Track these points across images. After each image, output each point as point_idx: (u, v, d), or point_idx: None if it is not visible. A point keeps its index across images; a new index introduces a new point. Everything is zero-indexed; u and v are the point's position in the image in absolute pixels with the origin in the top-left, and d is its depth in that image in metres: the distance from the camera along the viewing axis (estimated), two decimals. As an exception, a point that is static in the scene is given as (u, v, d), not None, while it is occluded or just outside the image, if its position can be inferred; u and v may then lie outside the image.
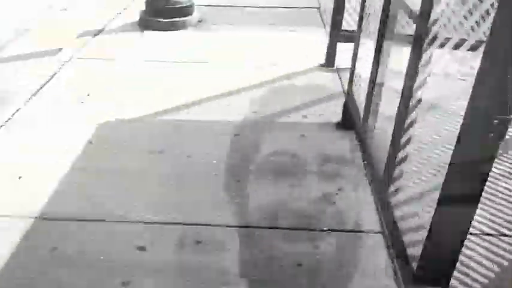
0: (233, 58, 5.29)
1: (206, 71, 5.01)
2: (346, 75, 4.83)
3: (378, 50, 3.10)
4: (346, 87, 4.62)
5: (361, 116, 3.48)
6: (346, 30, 5.00)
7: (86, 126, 3.92)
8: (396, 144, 2.56)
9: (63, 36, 5.94)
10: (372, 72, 3.23)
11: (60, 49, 5.63)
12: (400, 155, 2.53)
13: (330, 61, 5.15)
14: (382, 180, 2.77)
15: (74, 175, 3.35)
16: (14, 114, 4.12)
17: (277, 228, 2.94)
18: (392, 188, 2.63)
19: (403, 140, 2.51)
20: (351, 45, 5.12)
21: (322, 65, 5.18)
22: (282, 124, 4.05)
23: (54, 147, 3.65)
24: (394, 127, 2.61)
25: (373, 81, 3.21)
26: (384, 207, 2.76)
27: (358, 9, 5.01)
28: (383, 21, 3.02)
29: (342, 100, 4.42)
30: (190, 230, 2.90)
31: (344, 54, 5.11)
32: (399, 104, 2.58)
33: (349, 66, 5.03)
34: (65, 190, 3.20)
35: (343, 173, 3.47)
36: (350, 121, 3.91)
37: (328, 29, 6.12)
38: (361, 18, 3.70)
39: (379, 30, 3.09)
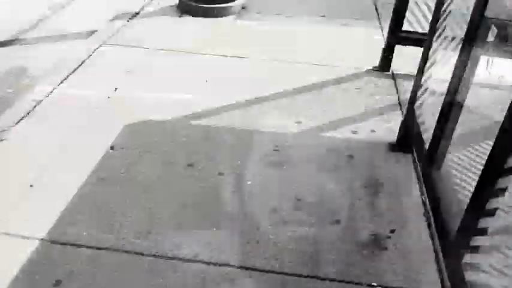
0: (276, 55, 4.77)
1: (243, 68, 4.53)
2: (404, 84, 4.32)
3: (463, 60, 2.50)
4: (403, 98, 4.08)
5: (427, 140, 2.91)
6: (407, 31, 4.40)
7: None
8: (484, 191, 1.96)
9: (97, 17, 5.58)
10: (449, 87, 2.63)
11: (92, 32, 5.26)
12: (490, 206, 1.94)
13: (385, 65, 4.57)
14: (452, 235, 2.24)
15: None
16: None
17: (317, 278, 2.48)
18: (466, 250, 2.08)
19: (497, 185, 1.87)
20: (411, 50, 4.66)
21: (376, 69, 4.61)
22: (327, 140, 3.55)
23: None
24: (485, 166, 1.95)
25: (450, 99, 2.61)
26: (452, 268, 2.24)
27: (424, 8, 4.47)
28: (474, 25, 2.41)
29: (399, 114, 3.89)
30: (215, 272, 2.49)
31: (400, 59, 4.56)
32: (497, 137, 1.89)
33: (408, 73, 4.51)
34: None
35: (397, 209, 2.96)
36: (409, 143, 3.38)
37: (384, 24, 5.57)
38: (435, 20, 3.09)
39: (467, 35, 2.48)
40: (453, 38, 2.88)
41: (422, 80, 3.22)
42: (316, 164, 3.29)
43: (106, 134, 3.45)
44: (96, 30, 5.29)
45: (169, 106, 3.82)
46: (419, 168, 3.19)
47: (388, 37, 4.47)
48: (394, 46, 4.46)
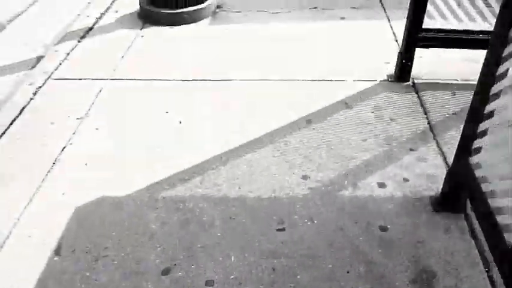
0: (263, 72, 3.81)
1: (223, 93, 3.56)
2: (431, 98, 3.38)
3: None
4: (434, 120, 3.16)
5: (497, 209, 2.02)
6: (431, 30, 3.43)
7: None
8: None
9: (39, 38, 4.56)
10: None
11: (33, 61, 4.26)
12: None
13: (403, 73, 3.61)
14: None
15: None
16: None
17: None
18: None
19: None
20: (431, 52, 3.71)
21: (392, 79, 3.66)
22: (346, 201, 2.63)
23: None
24: None
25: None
26: None
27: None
28: None
29: (434, 149, 2.97)
30: None
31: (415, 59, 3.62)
32: None
33: (433, 79, 3.56)
34: None
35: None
36: (461, 199, 2.49)
37: (390, 13, 4.60)
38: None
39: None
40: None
41: (485, 113, 2.26)
42: (336, 253, 2.38)
43: (48, 229, 2.53)
44: (41, 57, 4.29)
45: (131, 170, 2.89)
46: (483, 244, 2.30)
47: (405, 38, 3.49)
48: (414, 49, 3.49)
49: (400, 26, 3.81)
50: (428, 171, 2.80)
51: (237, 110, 3.38)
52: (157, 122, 3.29)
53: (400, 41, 4.07)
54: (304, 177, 2.80)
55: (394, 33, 4.29)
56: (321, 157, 2.94)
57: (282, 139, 3.10)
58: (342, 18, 4.60)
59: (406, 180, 2.76)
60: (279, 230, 2.49)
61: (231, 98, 3.51)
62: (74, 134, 3.24)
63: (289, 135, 3.13)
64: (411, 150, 2.97)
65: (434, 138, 3.05)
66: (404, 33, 3.50)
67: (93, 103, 3.54)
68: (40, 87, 3.78)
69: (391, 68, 3.74)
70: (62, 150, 3.08)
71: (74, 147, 3.10)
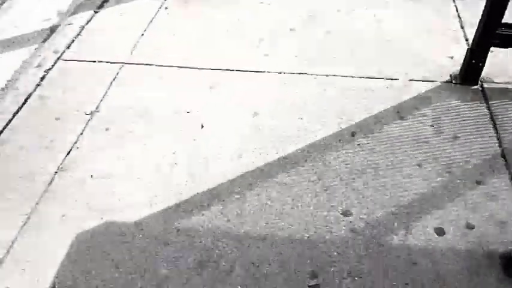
0: (299, 55, 3.26)
1: (252, 84, 3.06)
2: (503, 111, 2.80)
3: None
4: (509, 142, 2.60)
5: None
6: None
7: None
8: None
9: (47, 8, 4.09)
10: None
11: (44, 34, 3.82)
12: None
13: (471, 74, 3.00)
14: None
15: None
16: None
17: None
18: None
19: None
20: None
21: (456, 80, 3.06)
22: (395, 253, 2.16)
23: None
24: None
25: None
26: None
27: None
28: None
29: (506, 182, 2.44)
30: None
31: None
32: None
33: (506, 84, 2.95)
34: None
35: None
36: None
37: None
38: None
39: None
40: None
41: None
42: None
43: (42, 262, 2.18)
44: (55, 27, 3.85)
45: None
46: None
47: (479, 33, 2.85)
48: (488, 48, 2.87)
49: (467, 7, 3.17)
50: (499, 215, 2.29)
51: (267, 114, 2.89)
52: (176, 124, 2.84)
53: (468, 28, 3.46)
54: (345, 213, 2.33)
55: (459, 16, 3.62)
56: (366, 185, 2.45)
57: (320, 156, 2.61)
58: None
59: (470, 226, 2.25)
60: (310, 287, 2.07)
61: (262, 93, 3.00)
62: (81, 134, 2.83)
63: (329, 152, 2.63)
64: (478, 183, 2.44)
65: (506, 168, 2.50)
66: (478, 28, 2.86)
67: (105, 94, 3.10)
68: (49, 69, 3.36)
69: (455, 66, 3.13)
70: (67, 154, 2.69)
71: (79, 153, 2.70)
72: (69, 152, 2.71)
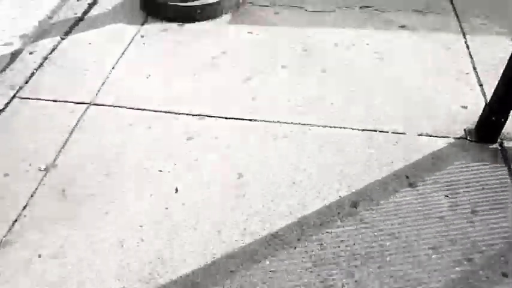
0: (294, 107, 2.85)
1: (244, 134, 2.63)
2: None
3: None
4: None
5: None
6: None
7: None
8: None
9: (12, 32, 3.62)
10: None
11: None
12: None
13: (489, 131, 2.60)
14: None
15: None
16: None
17: None
18: None
19: None
20: None
21: (469, 137, 2.65)
22: None
23: None
24: None
25: None
26: None
27: None
28: None
29: (538, 278, 2.03)
30: None
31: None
32: None
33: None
34: None
35: None
36: None
37: (466, 24, 3.53)
38: None
39: None
40: None
41: None
42: None
43: None
44: (18, 53, 3.39)
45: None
46: None
47: (500, 89, 2.46)
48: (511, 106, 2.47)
49: (479, 46, 2.80)
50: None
51: (253, 177, 2.46)
52: (146, 187, 2.40)
53: (481, 71, 3.09)
54: (347, 317, 1.92)
55: (471, 56, 3.22)
56: (370, 278, 2.03)
57: (315, 235, 2.19)
58: (402, 26, 3.52)
59: (498, 338, 1.85)
60: None
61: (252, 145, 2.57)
62: (32, 197, 2.38)
63: (325, 230, 2.21)
64: (504, 275, 2.04)
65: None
66: (500, 83, 2.46)
67: (66, 142, 2.65)
68: (2, 109, 2.90)
69: (469, 117, 2.74)
70: (12, 225, 2.24)
71: (27, 221, 2.24)
72: (14, 222, 2.26)
